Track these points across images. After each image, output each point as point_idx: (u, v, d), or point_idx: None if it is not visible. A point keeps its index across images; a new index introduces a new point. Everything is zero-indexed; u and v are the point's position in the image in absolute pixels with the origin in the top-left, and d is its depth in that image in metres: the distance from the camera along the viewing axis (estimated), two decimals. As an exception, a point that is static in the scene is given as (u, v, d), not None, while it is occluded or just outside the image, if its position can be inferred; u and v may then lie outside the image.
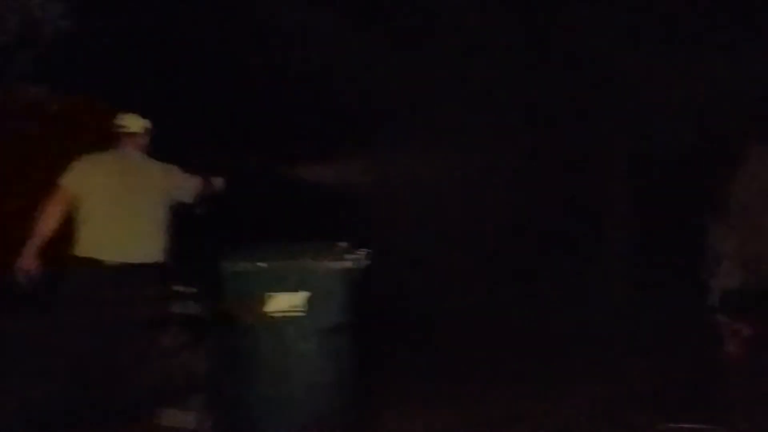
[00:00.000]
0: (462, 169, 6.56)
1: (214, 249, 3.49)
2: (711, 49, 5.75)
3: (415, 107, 6.36)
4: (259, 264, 3.37)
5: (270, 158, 6.01)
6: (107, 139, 3.74)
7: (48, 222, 3.44)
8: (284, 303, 3.34)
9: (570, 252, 6.66)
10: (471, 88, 6.43)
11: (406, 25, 6.20)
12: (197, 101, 5.45)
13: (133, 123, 3.76)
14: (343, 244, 3.63)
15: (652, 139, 6.56)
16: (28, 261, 3.40)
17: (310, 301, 3.33)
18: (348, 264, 3.44)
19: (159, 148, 3.72)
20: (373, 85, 6.07)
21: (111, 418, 3.36)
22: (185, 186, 3.80)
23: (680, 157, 6.31)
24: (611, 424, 3.66)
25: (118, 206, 3.52)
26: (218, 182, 4.02)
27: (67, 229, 3.50)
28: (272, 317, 3.32)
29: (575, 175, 6.78)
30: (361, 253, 3.56)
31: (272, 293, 3.33)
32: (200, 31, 5.41)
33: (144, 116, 3.71)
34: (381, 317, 3.88)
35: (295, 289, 3.33)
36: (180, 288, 4.08)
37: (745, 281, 4.90)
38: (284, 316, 3.33)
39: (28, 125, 4.05)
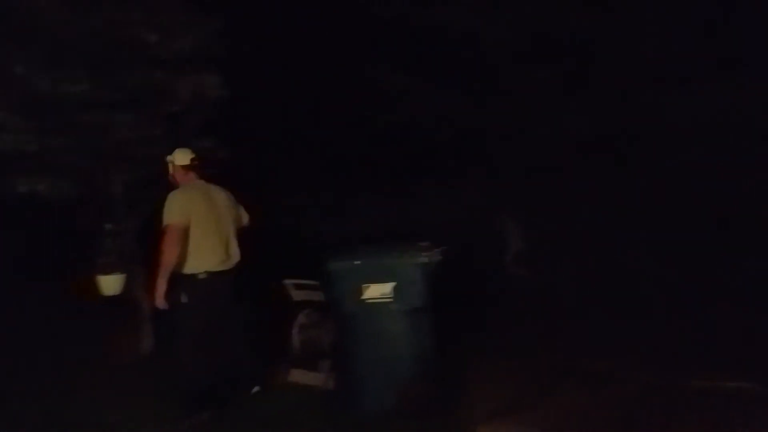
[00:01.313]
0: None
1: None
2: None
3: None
4: (356, 262, 4.35)
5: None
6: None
7: (172, 257, 4.15)
8: (376, 291, 4.26)
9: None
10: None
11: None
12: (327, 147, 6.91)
13: (187, 155, 4.58)
14: (424, 244, 4.50)
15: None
16: (163, 290, 4.20)
17: (396, 290, 4.22)
18: (425, 259, 4.26)
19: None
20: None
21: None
22: (243, 212, 4.72)
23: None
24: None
25: (212, 230, 4.33)
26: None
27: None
28: (368, 303, 4.26)
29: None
30: (437, 249, 4.40)
31: (367, 284, 4.25)
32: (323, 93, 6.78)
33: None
34: (454, 301, 4.64)
35: (385, 281, 4.23)
36: (307, 281, 5.22)
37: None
38: (377, 302, 4.24)
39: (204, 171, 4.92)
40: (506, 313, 6.08)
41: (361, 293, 4.24)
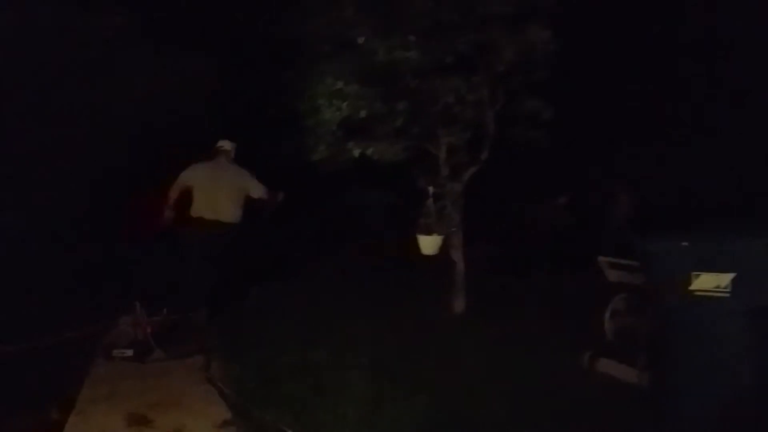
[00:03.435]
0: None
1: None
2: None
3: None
4: (683, 243, 3.56)
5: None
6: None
7: (172, 195, 5.90)
8: (709, 283, 3.42)
9: None
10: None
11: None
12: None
13: (225, 143, 6.20)
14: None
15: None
16: (169, 213, 5.89)
17: (737, 282, 3.31)
18: None
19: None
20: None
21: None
22: (250, 184, 6.06)
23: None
24: None
25: (209, 191, 5.90)
26: (280, 195, 6.20)
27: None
28: (696, 296, 3.43)
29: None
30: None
31: (698, 272, 3.42)
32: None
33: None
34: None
35: (723, 270, 3.35)
36: (626, 261, 4.59)
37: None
38: (708, 296, 3.39)
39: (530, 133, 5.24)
40: None
41: (688, 283, 3.46)
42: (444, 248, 5.58)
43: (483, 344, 5.00)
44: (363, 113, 5.28)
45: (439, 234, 5.62)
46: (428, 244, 5.68)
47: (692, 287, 3.46)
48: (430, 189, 5.67)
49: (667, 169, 6.61)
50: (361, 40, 5.19)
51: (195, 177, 6.03)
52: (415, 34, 5.06)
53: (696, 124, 6.30)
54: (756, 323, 3.28)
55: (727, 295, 3.34)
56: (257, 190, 6.10)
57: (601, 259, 4.78)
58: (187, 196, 6.03)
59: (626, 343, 4.48)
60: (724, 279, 3.36)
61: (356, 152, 5.50)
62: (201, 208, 5.96)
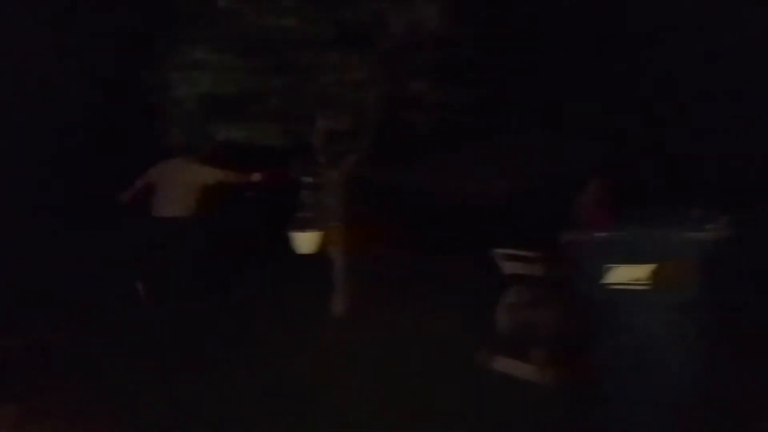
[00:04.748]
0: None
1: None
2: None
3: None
4: (598, 234, 3.34)
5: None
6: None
7: (138, 184, 5.86)
8: (627, 275, 3.25)
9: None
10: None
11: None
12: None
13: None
14: (699, 210, 3.33)
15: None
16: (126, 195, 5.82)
17: (656, 274, 3.14)
18: (706, 233, 3.05)
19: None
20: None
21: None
22: (202, 178, 5.76)
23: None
24: None
25: (167, 189, 5.72)
26: (256, 176, 5.83)
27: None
28: (614, 289, 3.22)
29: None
30: (721, 221, 3.20)
31: (613, 264, 3.22)
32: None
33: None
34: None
35: (641, 261, 3.17)
36: (523, 252, 4.37)
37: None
38: (627, 289, 3.18)
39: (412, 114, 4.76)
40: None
41: (605, 275, 3.22)
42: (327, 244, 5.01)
43: (361, 351, 4.54)
44: (230, 89, 4.50)
45: (318, 229, 5.05)
46: (305, 241, 5.08)
47: (609, 280, 3.25)
48: (307, 179, 5.08)
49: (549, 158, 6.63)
50: (222, 2, 4.41)
51: (157, 175, 5.91)
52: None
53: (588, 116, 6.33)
54: (677, 318, 3.14)
55: (647, 287, 3.18)
56: (204, 180, 5.84)
57: (497, 250, 4.52)
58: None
59: (524, 338, 4.27)
60: (643, 271, 3.20)
61: (220, 136, 4.72)
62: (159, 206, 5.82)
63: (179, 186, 5.74)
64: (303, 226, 5.06)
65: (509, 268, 4.50)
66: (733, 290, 3.26)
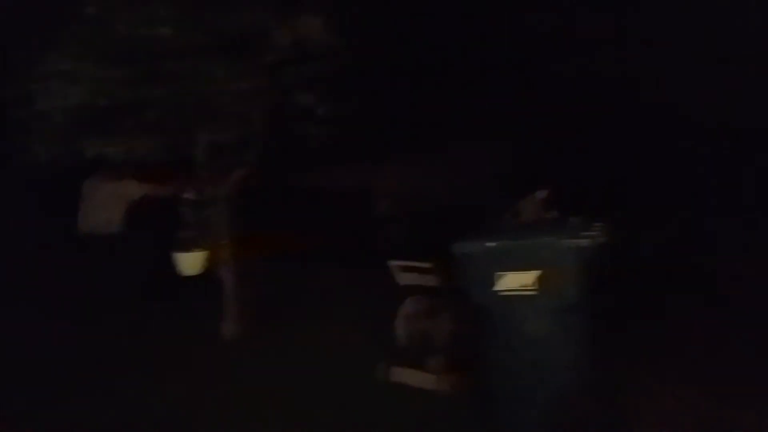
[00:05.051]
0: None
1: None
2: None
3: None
4: (488, 244, 3.42)
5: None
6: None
7: None
8: (515, 282, 3.34)
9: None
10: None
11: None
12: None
13: None
14: (576, 219, 3.51)
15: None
16: None
17: (541, 280, 3.27)
18: (583, 241, 3.23)
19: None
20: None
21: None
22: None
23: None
24: None
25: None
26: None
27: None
28: (503, 296, 3.32)
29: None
30: (597, 228, 3.39)
31: (502, 272, 3.31)
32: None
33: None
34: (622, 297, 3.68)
35: (527, 268, 3.28)
36: (417, 264, 4.40)
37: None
38: (515, 295, 3.30)
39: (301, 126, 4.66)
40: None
41: (494, 283, 3.32)
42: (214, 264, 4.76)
43: (249, 372, 4.43)
44: (101, 101, 4.16)
45: (203, 249, 4.80)
46: (188, 262, 4.81)
47: (498, 287, 3.35)
48: (189, 196, 4.82)
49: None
50: (91, 9, 4.09)
51: None
52: (167, 8, 4.14)
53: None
54: (561, 321, 3.28)
55: (533, 293, 3.30)
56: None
57: (392, 263, 4.51)
58: None
59: (421, 348, 4.29)
60: (529, 277, 3.31)
61: (91, 152, 4.36)
62: None
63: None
64: (186, 246, 4.79)
65: (404, 279, 4.51)
66: (608, 293, 3.41)
